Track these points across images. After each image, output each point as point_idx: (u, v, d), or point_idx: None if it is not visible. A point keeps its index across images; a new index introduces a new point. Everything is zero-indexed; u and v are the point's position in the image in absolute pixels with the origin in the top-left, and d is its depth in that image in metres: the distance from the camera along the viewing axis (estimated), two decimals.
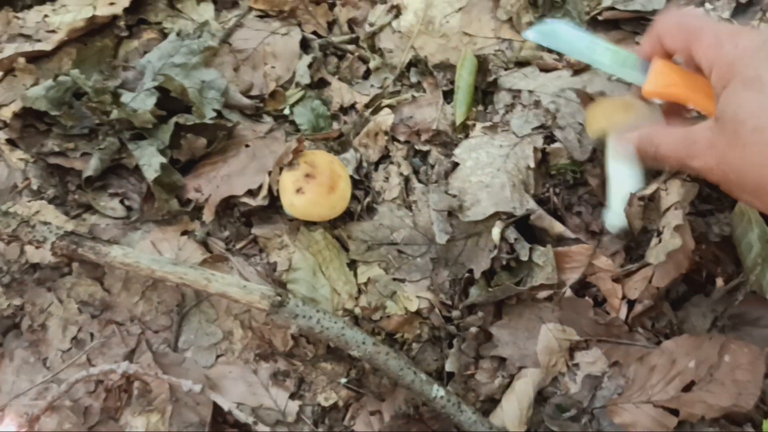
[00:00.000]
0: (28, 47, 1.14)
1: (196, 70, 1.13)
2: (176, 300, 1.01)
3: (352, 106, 1.18)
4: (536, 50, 1.20)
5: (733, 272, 0.99)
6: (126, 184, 1.08)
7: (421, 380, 0.93)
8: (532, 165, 1.05)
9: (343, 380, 0.99)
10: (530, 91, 1.13)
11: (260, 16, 1.24)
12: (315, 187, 0.98)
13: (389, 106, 1.15)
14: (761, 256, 0.95)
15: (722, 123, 0.72)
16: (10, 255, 1.02)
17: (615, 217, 0.99)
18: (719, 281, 0.98)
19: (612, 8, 1.18)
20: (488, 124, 1.12)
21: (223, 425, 0.97)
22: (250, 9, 1.24)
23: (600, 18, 1.19)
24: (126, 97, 1.08)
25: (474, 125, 1.12)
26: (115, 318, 1.00)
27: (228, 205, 1.07)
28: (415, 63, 1.21)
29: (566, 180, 1.08)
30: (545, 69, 1.16)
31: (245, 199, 1.05)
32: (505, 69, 1.19)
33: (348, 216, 1.07)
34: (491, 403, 0.99)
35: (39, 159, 1.08)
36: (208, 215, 1.05)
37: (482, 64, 1.17)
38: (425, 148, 1.13)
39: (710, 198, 1.04)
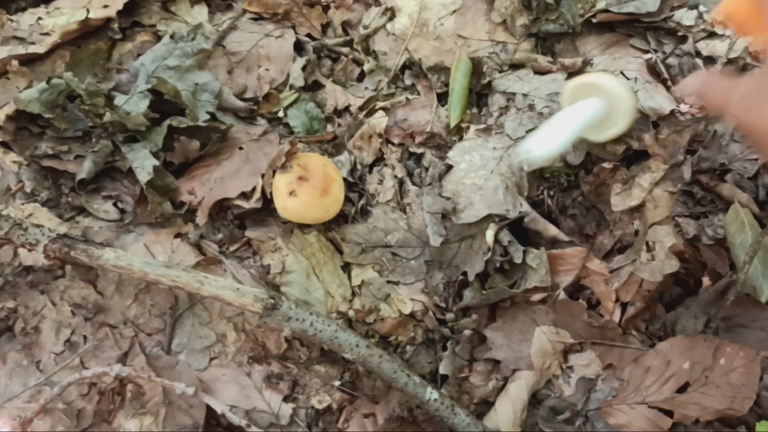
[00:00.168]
0: (21, 50, 1.14)
1: (189, 72, 1.13)
2: (169, 303, 1.01)
3: (346, 109, 1.18)
4: (530, 53, 1.20)
5: (727, 274, 0.99)
6: (119, 186, 1.08)
7: (414, 383, 0.93)
8: (526, 168, 1.05)
9: (337, 383, 0.98)
10: (524, 94, 1.13)
11: (254, 19, 1.24)
12: (308, 190, 0.98)
13: (383, 108, 1.15)
14: (752, 258, 0.95)
15: None
16: (3, 257, 1.02)
17: (543, 148, 0.96)
18: (705, 281, 0.98)
19: (606, 11, 1.18)
20: (482, 126, 1.12)
21: (217, 428, 0.96)
22: (244, 11, 1.24)
23: (594, 20, 1.19)
24: (119, 99, 1.08)
25: (468, 128, 1.12)
26: (108, 321, 0.99)
27: (221, 207, 1.07)
28: (410, 65, 1.21)
29: (560, 183, 1.08)
30: (539, 72, 1.16)
31: (239, 202, 1.05)
32: (500, 71, 1.19)
33: (342, 218, 1.07)
34: (485, 405, 0.99)
35: (32, 161, 1.08)
36: (201, 218, 1.05)
37: (476, 67, 1.17)
38: (419, 150, 1.12)
39: (704, 200, 1.04)
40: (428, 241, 1.04)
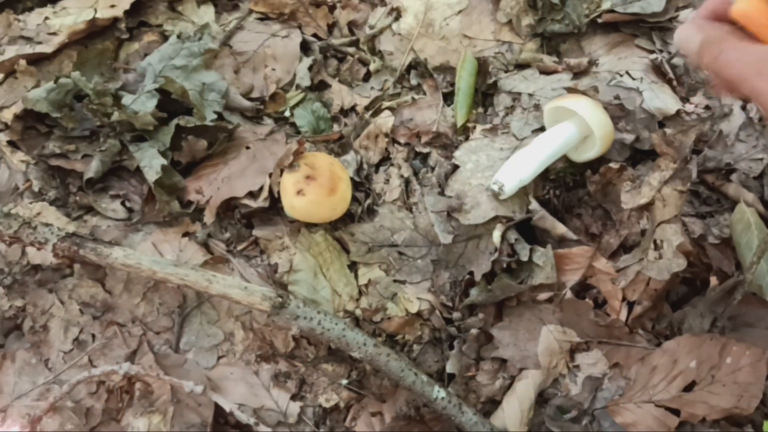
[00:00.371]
0: (29, 49, 1.14)
1: (196, 72, 1.13)
2: (177, 301, 1.01)
3: (353, 108, 1.18)
4: (536, 53, 1.20)
5: (733, 274, 1.00)
6: (127, 185, 1.08)
7: (422, 381, 0.93)
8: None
9: (344, 381, 0.99)
10: (530, 94, 1.13)
11: (260, 19, 1.25)
12: (315, 189, 0.98)
13: (389, 108, 1.16)
14: (760, 258, 0.95)
15: None
16: (12, 256, 1.02)
17: (515, 179, 1.01)
18: (713, 280, 0.99)
19: (611, 11, 1.18)
20: (488, 126, 1.12)
21: (225, 426, 0.97)
22: (251, 11, 1.25)
23: (599, 21, 1.19)
24: (127, 99, 1.08)
25: (474, 127, 1.12)
26: (116, 319, 1.00)
27: (229, 206, 1.07)
28: (415, 65, 1.21)
29: (566, 183, 1.09)
30: (545, 72, 1.17)
31: (246, 201, 1.05)
32: (505, 71, 1.19)
33: (349, 218, 1.07)
34: (492, 404, 0.99)
35: (40, 161, 1.08)
36: (209, 217, 1.05)
37: (482, 67, 1.17)
38: (425, 150, 1.13)
39: (710, 200, 1.05)
40: (434, 241, 1.04)
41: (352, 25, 1.26)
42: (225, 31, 1.22)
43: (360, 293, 1.03)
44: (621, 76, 1.12)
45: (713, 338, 0.95)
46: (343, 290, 1.02)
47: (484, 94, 1.18)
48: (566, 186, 1.08)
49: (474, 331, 0.99)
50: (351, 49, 1.23)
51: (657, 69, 1.15)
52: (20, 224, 0.94)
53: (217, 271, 0.98)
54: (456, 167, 1.09)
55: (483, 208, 1.03)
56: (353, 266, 1.05)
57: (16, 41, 1.16)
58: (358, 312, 1.01)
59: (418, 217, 1.07)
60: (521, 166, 1.01)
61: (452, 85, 1.17)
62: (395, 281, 1.03)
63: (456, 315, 1.01)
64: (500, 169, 1.02)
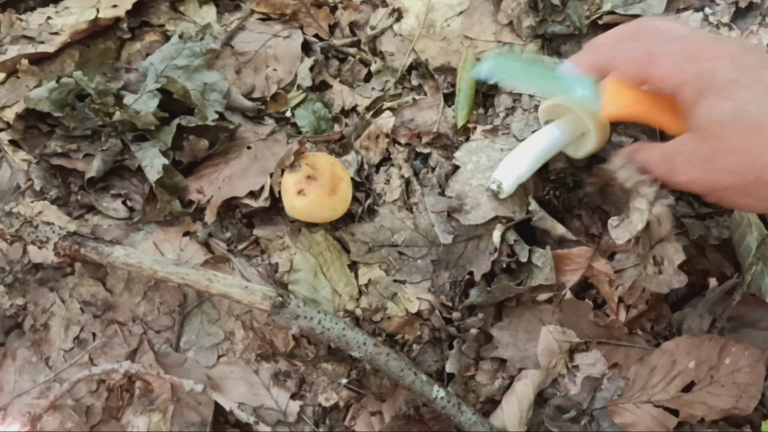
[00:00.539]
0: (31, 49, 1.15)
1: (198, 72, 1.14)
2: (178, 300, 1.01)
3: (354, 109, 1.19)
4: (537, 54, 1.20)
5: (732, 275, 1.00)
6: (128, 185, 1.09)
7: (421, 381, 0.93)
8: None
9: (344, 381, 0.99)
10: (531, 95, 1.13)
11: (262, 19, 1.25)
12: (316, 189, 0.98)
13: (390, 108, 1.16)
14: (759, 259, 0.95)
15: (705, 132, 0.74)
16: (13, 255, 1.02)
17: (512, 178, 1.00)
18: (712, 282, 0.99)
19: (612, 12, 1.18)
20: (489, 127, 1.12)
21: (225, 425, 0.97)
22: (252, 12, 1.25)
23: (600, 22, 1.19)
24: (128, 98, 1.09)
25: (475, 128, 1.12)
26: (117, 318, 1.00)
27: (230, 206, 1.07)
28: (416, 66, 1.21)
29: (566, 183, 1.09)
30: None
31: (247, 201, 1.06)
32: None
33: (349, 218, 1.07)
34: (491, 404, 0.99)
35: (42, 160, 1.08)
36: (209, 216, 1.06)
37: None
38: (426, 150, 1.13)
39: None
40: (435, 241, 1.05)
41: (353, 26, 1.27)
42: (227, 32, 1.22)
43: (360, 293, 1.03)
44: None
45: (712, 339, 0.95)
46: (344, 290, 1.02)
47: (485, 95, 1.18)
48: (566, 186, 1.09)
49: (473, 331, 1.00)
50: (352, 50, 1.24)
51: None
52: (21, 223, 0.94)
53: (217, 270, 0.98)
54: (456, 168, 1.09)
55: (483, 209, 1.03)
56: (353, 266, 1.05)
57: (18, 41, 1.17)
58: (358, 312, 1.01)
59: (418, 217, 1.07)
60: (517, 163, 1.00)
61: (453, 85, 1.18)
62: (395, 281, 1.04)
63: (456, 315, 1.02)
64: (497, 167, 1.02)
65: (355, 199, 1.07)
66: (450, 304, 1.03)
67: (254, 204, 1.05)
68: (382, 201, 1.09)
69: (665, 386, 0.94)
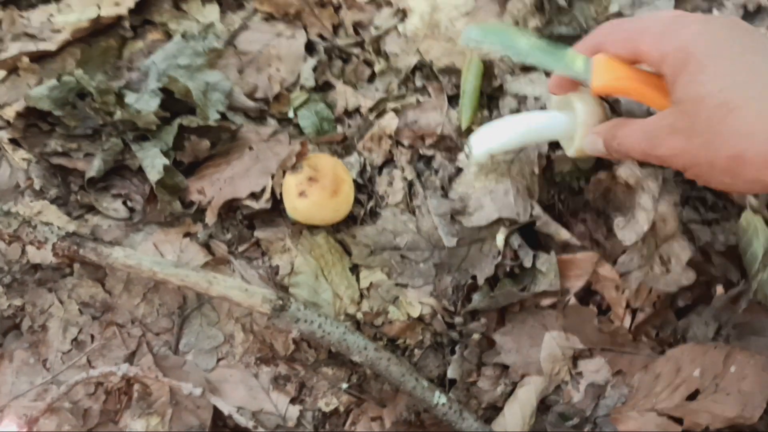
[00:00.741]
0: (32, 47, 1.14)
1: (200, 71, 1.13)
2: (177, 302, 1.01)
3: (357, 110, 1.17)
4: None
5: (739, 282, 0.99)
6: (129, 185, 1.08)
7: (422, 387, 0.92)
8: (537, 171, 1.05)
9: (344, 385, 0.98)
10: (536, 97, 1.12)
11: (265, 19, 1.24)
12: (318, 191, 0.98)
13: (394, 110, 1.15)
14: (766, 266, 0.94)
15: (683, 107, 0.74)
16: (12, 255, 1.01)
17: (484, 146, 0.96)
18: (719, 289, 0.98)
19: (619, 14, 1.17)
20: None
21: (223, 429, 0.96)
22: (256, 11, 1.24)
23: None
24: (130, 98, 1.08)
25: None
26: (115, 320, 0.99)
27: (231, 207, 1.06)
28: (421, 67, 1.20)
29: (571, 187, 1.08)
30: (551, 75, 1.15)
31: (248, 202, 1.05)
32: (511, 74, 1.18)
33: (351, 220, 1.06)
34: (493, 410, 0.98)
35: (42, 159, 1.07)
36: (210, 217, 1.05)
37: (488, 69, 1.16)
38: (429, 152, 1.12)
39: (716, 207, 1.04)
40: (438, 244, 1.04)
41: (357, 26, 1.26)
42: (230, 31, 1.21)
43: (361, 296, 1.02)
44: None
45: (718, 346, 0.94)
46: (345, 293, 1.01)
47: (490, 96, 1.17)
48: (571, 190, 1.08)
49: (476, 336, 0.99)
50: (356, 50, 1.23)
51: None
52: (20, 223, 0.94)
53: (218, 272, 0.97)
54: (460, 170, 1.08)
55: (486, 211, 1.03)
56: (355, 269, 1.04)
57: (19, 38, 1.16)
58: (359, 315, 1.00)
59: (421, 220, 1.06)
60: (493, 134, 0.96)
61: (457, 87, 1.17)
62: (397, 285, 1.03)
63: (458, 320, 1.01)
64: (471, 137, 0.98)
65: (357, 201, 1.06)
66: (452, 308, 1.02)
67: (255, 205, 1.05)
68: (385, 203, 1.08)
69: (670, 394, 0.93)
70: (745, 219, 0.98)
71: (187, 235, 1.05)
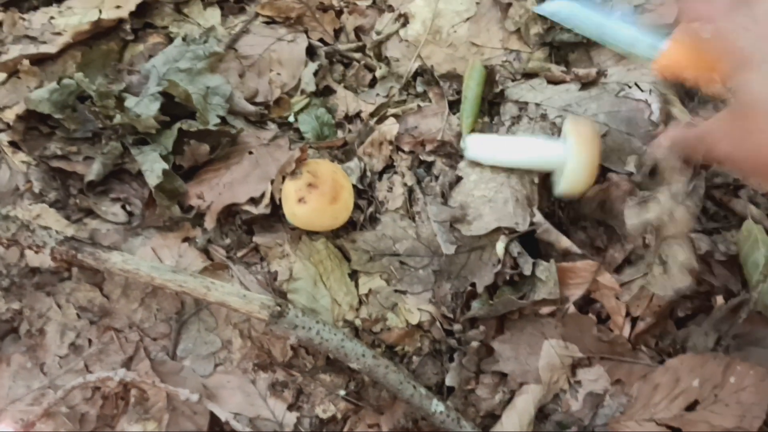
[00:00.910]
0: (32, 49, 1.14)
1: (201, 75, 1.13)
2: (175, 308, 1.00)
3: (357, 115, 1.17)
4: (544, 62, 1.19)
5: (739, 292, 0.98)
6: (128, 189, 1.08)
7: (420, 394, 0.92)
8: (537, 181, 1.04)
9: (342, 392, 0.98)
10: (537, 104, 1.12)
11: (267, 23, 1.24)
12: (317, 197, 0.97)
13: (394, 115, 1.15)
14: (767, 276, 0.94)
15: (735, 110, 0.74)
16: (10, 258, 1.01)
17: (474, 152, 1.05)
18: (719, 299, 0.97)
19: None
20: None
21: None
22: (257, 15, 1.24)
23: None
24: (130, 101, 1.07)
25: None
26: (113, 324, 0.99)
27: (230, 212, 1.06)
28: (422, 72, 1.20)
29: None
30: (553, 81, 1.15)
31: (247, 207, 1.04)
32: (513, 80, 1.18)
33: (350, 225, 1.06)
34: (491, 418, 0.98)
35: (41, 162, 1.07)
36: (209, 222, 1.05)
37: (489, 75, 1.16)
38: (430, 158, 1.12)
39: (717, 216, 1.03)
40: (437, 251, 1.03)
41: (358, 31, 1.26)
42: (231, 35, 1.21)
43: (360, 303, 1.02)
44: (629, 87, 1.11)
45: (717, 357, 0.94)
46: (343, 299, 1.01)
47: (491, 103, 1.17)
48: (570, 199, 1.07)
49: (474, 343, 0.98)
50: (357, 55, 1.23)
51: (666, 81, 1.13)
52: (18, 227, 0.93)
53: (216, 277, 0.97)
54: (460, 177, 1.08)
55: (485, 219, 1.02)
56: (354, 275, 1.04)
57: (20, 40, 1.16)
58: (357, 322, 1.00)
59: (420, 226, 1.06)
60: (491, 148, 1.05)
61: (458, 93, 1.16)
62: (396, 291, 1.02)
63: (457, 327, 1.00)
64: (475, 135, 1.05)
65: (357, 206, 1.06)
66: (451, 315, 1.01)
67: (255, 210, 1.04)
68: (385, 209, 1.08)
69: (668, 404, 0.92)
70: (746, 229, 0.98)
71: (185, 239, 1.04)
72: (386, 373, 0.92)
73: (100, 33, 1.18)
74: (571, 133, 0.98)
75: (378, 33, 1.24)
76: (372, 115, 1.16)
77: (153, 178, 1.02)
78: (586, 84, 1.13)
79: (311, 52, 1.22)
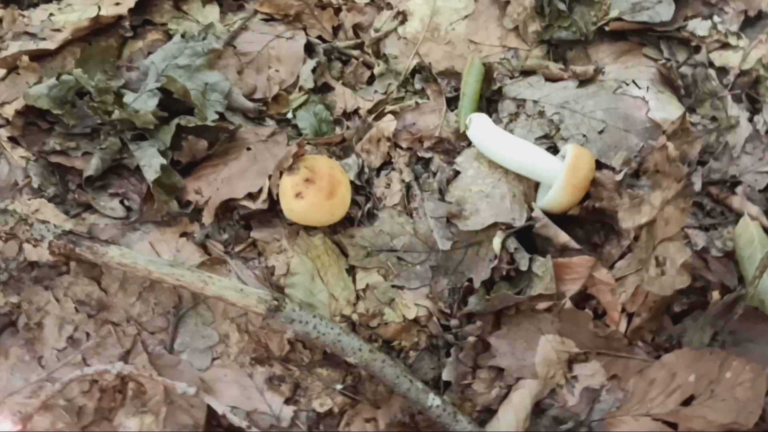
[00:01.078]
0: (32, 45, 1.14)
1: (199, 72, 1.13)
2: (173, 302, 1.01)
3: (356, 112, 1.18)
4: (542, 59, 1.19)
5: (735, 288, 0.98)
6: (126, 184, 1.08)
7: (417, 389, 0.92)
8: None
9: (339, 386, 0.98)
10: (535, 101, 1.12)
11: (265, 20, 1.24)
12: (314, 193, 0.97)
13: (392, 112, 1.15)
14: (763, 272, 0.94)
15: None
16: (9, 252, 1.02)
17: (476, 136, 1.06)
18: (715, 295, 0.97)
19: (619, 19, 1.17)
20: None
21: (217, 428, 0.96)
22: (256, 12, 1.24)
23: (607, 29, 1.18)
24: (128, 97, 1.08)
25: None
26: (111, 318, 0.99)
27: (228, 207, 1.06)
28: (420, 69, 1.20)
29: None
30: (551, 79, 1.15)
31: (245, 203, 1.05)
32: (511, 78, 1.18)
33: (348, 221, 1.06)
34: (488, 413, 0.98)
35: (40, 157, 1.08)
36: (207, 217, 1.05)
37: (487, 72, 1.16)
38: (427, 155, 1.12)
39: (714, 212, 1.03)
40: (434, 246, 1.04)
41: (357, 28, 1.26)
42: (229, 31, 1.21)
43: (357, 298, 1.02)
44: (627, 84, 1.11)
45: (713, 352, 0.94)
46: (341, 294, 1.01)
47: (488, 100, 1.17)
48: None
49: (471, 338, 0.98)
50: (355, 52, 1.23)
51: (664, 78, 1.14)
52: (17, 221, 0.94)
53: (214, 272, 0.97)
54: (457, 173, 1.08)
55: (482, 215, 1.02)
56: (351, 270, 1.04)
57: (20, 37, 1.16)
58: (354, 317, 1.00)
59: (418, 222, 1.06)
60: (489, 148, 1.05)
61: (456, 90, 1.17)
62: (393, 286, 1.03)
63: (454, 322, 1.00)
64: (482, 116, 1.06)
65: (354, 202, 1.06)
66: (448, 311, 1.01)
67: (252, 206, 1.05)
68: (382, 205, 1.08)
69: (664, 399, 0.93)
70: (742, 225, 0.98)
71: (183, 234, 1.05)
72: (383, 368, 0.92)
73: (99, 29, 1.19)
74: (570, 156, 0.98)
75: (376, 30, 1.24)
76: (370, 111, 1.17)
77: (151, 174, 1.02)
78: (584, 81, 1.14)
79: (310, 49, 1.22)
